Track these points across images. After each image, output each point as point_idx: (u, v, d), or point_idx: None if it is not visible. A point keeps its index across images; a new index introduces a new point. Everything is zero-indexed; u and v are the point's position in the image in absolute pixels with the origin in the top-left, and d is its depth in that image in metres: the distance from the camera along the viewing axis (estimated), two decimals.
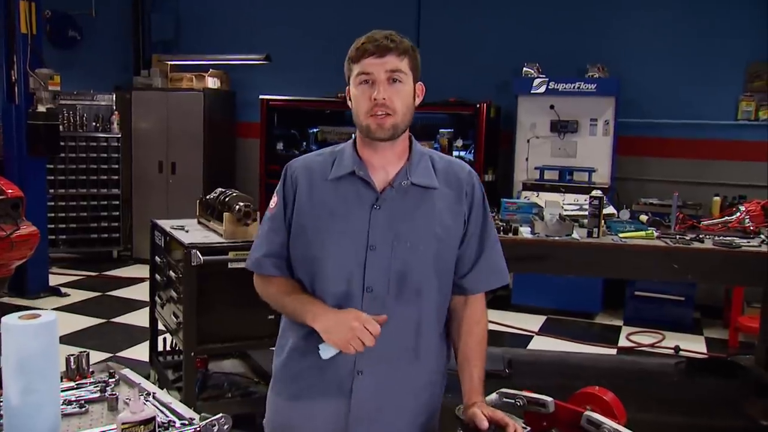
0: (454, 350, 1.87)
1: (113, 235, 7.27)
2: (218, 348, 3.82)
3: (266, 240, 1.83)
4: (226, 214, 3.78)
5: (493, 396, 1.83)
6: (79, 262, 7.26)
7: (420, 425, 1.81)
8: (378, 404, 1.75)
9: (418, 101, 1.79)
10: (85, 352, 2.17)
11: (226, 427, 1.59)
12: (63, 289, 6.12)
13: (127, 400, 1.78)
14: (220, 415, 1.62)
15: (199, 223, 4.21)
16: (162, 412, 1.72)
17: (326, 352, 1.69)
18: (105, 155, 7.14)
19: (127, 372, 2.21)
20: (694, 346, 5.23)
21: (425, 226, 1.74)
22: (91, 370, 2.15)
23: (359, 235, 1.71)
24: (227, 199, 3.88)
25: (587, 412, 1.63)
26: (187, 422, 1.66)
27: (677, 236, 3.64)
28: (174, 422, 1.65)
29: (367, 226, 1.71)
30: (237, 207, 3.76)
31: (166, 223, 4.12)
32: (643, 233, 3.65)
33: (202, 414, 1.66)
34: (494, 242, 1.85)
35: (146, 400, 1.78)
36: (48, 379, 1.64)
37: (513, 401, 1.76)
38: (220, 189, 4.14)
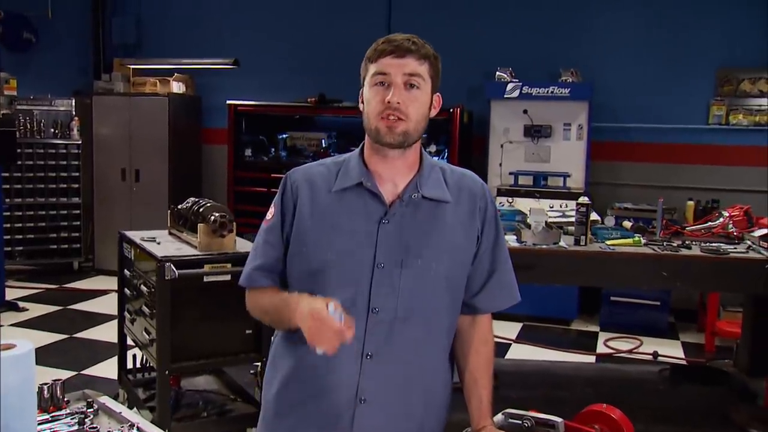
0: (459, 370, 1.77)
1: (74, 246, 6.96)
2: (193, 365, 3.66)
3: (261, 253, 1.71)
4: (200, 225, 3.63)
5: (499, 417, 1.74)
6: (37, 274, 6.93)
7: None
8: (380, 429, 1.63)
9: (433, 113, 1.68)
10: (59, 380, 2.01)
11: None
12: (21, 304, 5.83)
13: None
14: None
15: (171, 234, 4.04)
16: None
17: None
18: (64, 162, 6.82)
19: (105, 400, 2.06)
20: (671, 351, 5.24)
21: (437, 242, 1.63)
22: (66, 399, 1.99)
23: (365, 251, 1.59)
24: (201, 209, 3.72)
25: None
26: None
27: (664, 243, 3.60)
28: None
29: (374, 241, 1.59)
30: (212, 218, 3.61)
31: (135, 235, 3.95)
32: (630, 240, 3.60)
33: None
34: (506, 259, 1.76)
35: None
36: (25, 416, 1.49)
37: (520, 423, 1.67)
38: (192, 198, 3.99)
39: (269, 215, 1.71)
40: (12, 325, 5.41)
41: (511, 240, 3.51)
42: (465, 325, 1.74)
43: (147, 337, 3.63)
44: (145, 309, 3.64)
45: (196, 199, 3.93)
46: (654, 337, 5.50)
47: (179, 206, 4.02)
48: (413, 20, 6.57)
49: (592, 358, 5.15)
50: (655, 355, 5.05)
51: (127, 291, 3.98)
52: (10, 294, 5.99)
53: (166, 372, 3.46)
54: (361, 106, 1.67)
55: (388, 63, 1.58)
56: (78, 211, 6.94)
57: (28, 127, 6.70)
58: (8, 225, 6.51)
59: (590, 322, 5.94)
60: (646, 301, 5.61)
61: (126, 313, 4.02)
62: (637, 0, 6.14)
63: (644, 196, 5.83)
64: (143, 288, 3.67)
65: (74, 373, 4.55)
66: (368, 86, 1.62)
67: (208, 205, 3.77)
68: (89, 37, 7.56)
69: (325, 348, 1.44)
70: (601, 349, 5.36)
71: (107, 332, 5.03)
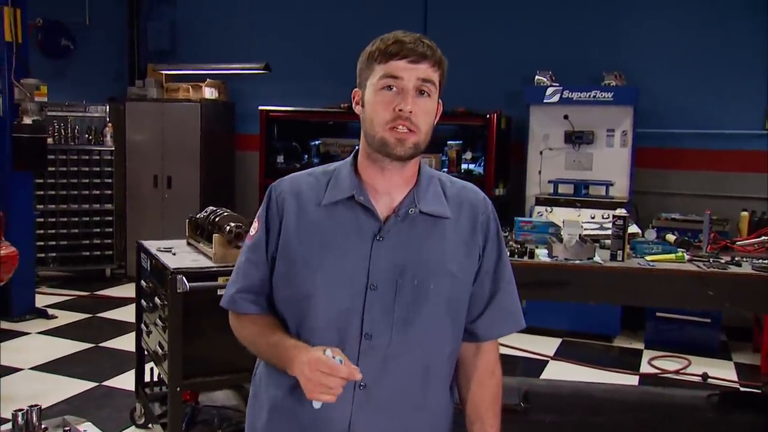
0: (462, 403, 1.61)
1: (106, 253, 6.93)
2: (206, 382, 3.52)
3: (243, 273, 1.56)
4: (215, 236, 3.50)
5: None
6: (70, 280, 6.93)
7: None
8: None
9: (435, 120, 1.52)
10: (36, 406, 1.87)
11: None
12: (50, 311, 5.80)
13: None
14: None
15: (189, 244, 3.93)
16: None
17: (315, 401, 1.39)
18: (98, 169, 6.79)
19: (87, 427, 1.92)
20: (723, 372, 4.87)
21: (436, 261, 1.48)
22: (44, 426, 1.85)
23: (357, 271, 1.45)
24: (217, 219, 3.60)
25: None
26: None
27: (711, 259, 3.30)
28: None
29: (367, 260, 1.45)
30: (227, 228, 3.48)
31: (152, 245, 3.87)
32: (672, 256, 3.31)
33: None
34: (509, 280, 1.60)
35: None
36: None
37: None
38: (211, 207, 3.87)
39: (253, 230, 1.58)
40: (39, 332, 5.38)
41: (542, 254, 3.28)
42: (468, 353, 1.59)
43: (161, 351, 3.52)
44: (159, 322, 3.53)
45: (214, 208, 3.80)
46: (704, 356, 5.14)
47: (197, 215, 3.91)
48: (449, 23, 6.37)
49: (635, 378, 4.83)
50: (705, 377, 4.70)
51: (143, 302, 3.88)
52: (41, 301, 5.98)
53: (178, 388, 3.33)
54: (357, 108, 1.52)
55: (402, 67, 1.43)
56: (110, 218, 6.92)
57: (63, 133, 6.72)
58: (42, 231, 6.53)
59: (634, 339, 5.61)
60: (695, 317, 5.25)
61: (143, 325, 3.92)
62: None
63: (694, 206, 5.48)
64: (157, 300, 3.56)
65: (95, 384, 4.48)
66: (372, 89, 1.46)
67: (225, 214, 3.64)
68: (125, 44, 7.56)
69: (327, 398, 1.33)
70: (645, 368, 5.03)
71: (133, 342, 4.94)
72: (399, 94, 1.42)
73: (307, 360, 1.34)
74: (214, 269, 3.40)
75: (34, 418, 1.82)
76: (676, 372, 4.93)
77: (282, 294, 1.52)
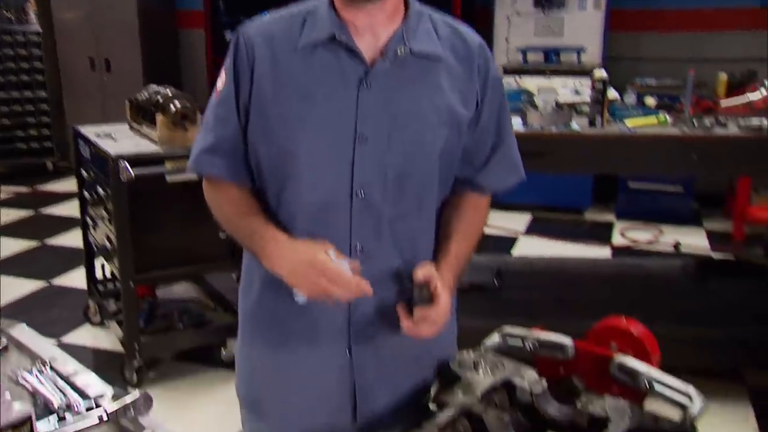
0: (436, 235, 1.43)
1: (45, 144, 6.40)
2: (161, 275, 3.29)
3: (211, 131, 1.36)
4: (159, 117, 3.16)
5: (496, 338, 1.43)
6: (7, 176, 6.44)
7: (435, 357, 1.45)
8: (379, 339, 1.39)
9: None
10: None
11: (145, 407, 1.26)
12: None
13: None
14: (137, 393, 1.26)
15: (131, 128, 3.58)
16: (61, 390, 1.32)
17: (300, 295, 1.30)
18: (24, 52, 6.13)
19: (20, 331, 1.70)
20: (695, 240, 4.83)
21: (431, 108, 1.31)
22: None
23: (344, 122, 1.28)
24: (161, 98, 3.23)
25: (618, 358, 1.26)
26: (93, 404, 1.27)
27: (694, 121, 3.08)
28: (75, 405, 1.28)
29: (354, 110, 1.28)
30: (173, 108, 3.13)
31: (90, 130, 3.55)
32: (654, 119, 3.09)
33: (116, 390, 1.30)
34: (511, 131, 1.47)
35: (39, 376, 1.38)
36: None
37: (521, 344, 1.38)
38: (153, 86, 3.51)
39: (219, 84, 1.37)
40: None
41: (515, 123, 3.02)
42: (458, 198, 1.46)
43: (109, 245, 3.25)
44: (105, 214, 3.24)
45: (156, 88, 3.44)
46: (676, 225, 5.06)
47: (138, 96, 3.52)
48: None
49: (607, 250, 4.76)
50: (677, 246, 4.64)
51: (86, 194, 3.56)
52: None
53: (130, 283, 3.09)
54: None
55: None
56: (46, 106, 6.33)
57: None
58: None
59: (606, 211, 5.50)
60: (667, 187, 5.14)
61: (88, 219, 3.62)
62: None
63: (669, 71, 5.21)
64: (100, 191, 3.25)
65: (45, 283, 4.22)
66: None
67: (169, 94, 3.27)
68: None
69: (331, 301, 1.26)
70: (617, 240, 4.95)
71: (81, 238, 4.65)
72: None
73: (308, 261, 1.23)
74: (160, 154, 3.09)
75: None
76: (649, 242, 4.87)
77: (259, 154, 1.33)
